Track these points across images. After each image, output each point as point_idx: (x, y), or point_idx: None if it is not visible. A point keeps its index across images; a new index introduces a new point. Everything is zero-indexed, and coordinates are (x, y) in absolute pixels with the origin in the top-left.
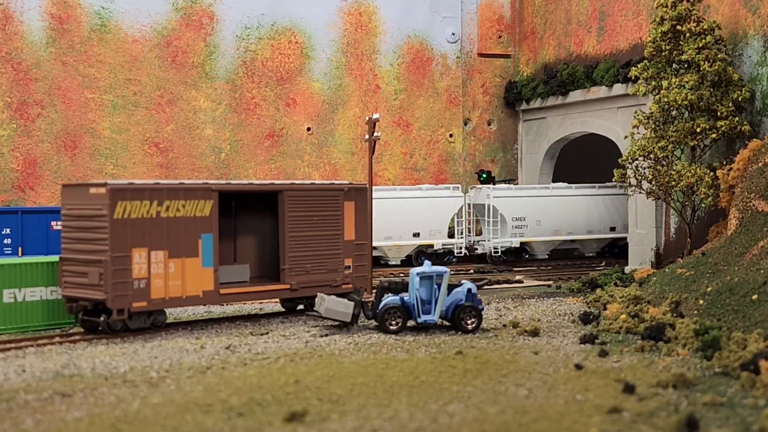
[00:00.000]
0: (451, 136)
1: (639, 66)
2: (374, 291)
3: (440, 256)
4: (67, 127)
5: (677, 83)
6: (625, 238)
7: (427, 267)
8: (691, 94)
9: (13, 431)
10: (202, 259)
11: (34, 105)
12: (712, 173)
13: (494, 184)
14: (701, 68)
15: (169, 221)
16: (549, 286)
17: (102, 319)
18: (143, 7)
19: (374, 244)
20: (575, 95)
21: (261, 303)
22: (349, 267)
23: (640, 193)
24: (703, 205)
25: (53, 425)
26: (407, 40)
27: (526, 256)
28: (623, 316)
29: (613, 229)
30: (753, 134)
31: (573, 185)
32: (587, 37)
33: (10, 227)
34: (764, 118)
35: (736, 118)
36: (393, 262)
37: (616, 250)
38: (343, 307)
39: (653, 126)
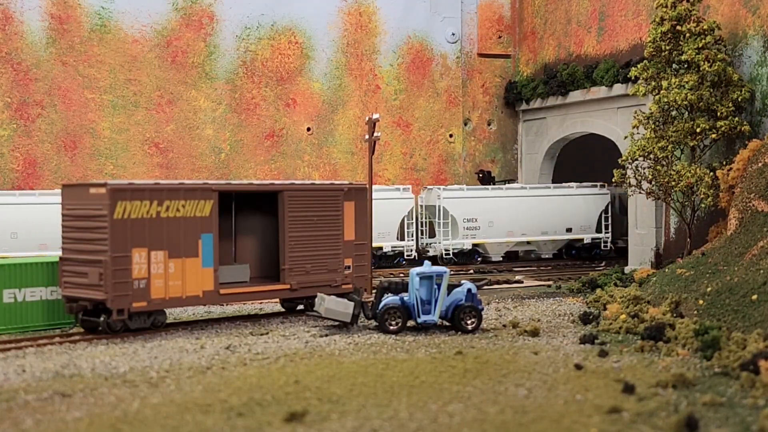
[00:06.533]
0: (451, 136)
1: (639, 66)
2: (374, 291)
3: None
4: (67, 127)
5: (677, 83)
6: (402, 247)
7: (426, 267)
8: (691, 94)
9: (13, 431)
10: (202, 259)
11: (34, 105)
12: (712, 173)
13: (494, 184)
14: (701, 68)
15: (169, 221)
16: (549, 286)
17: (102, 319)
18: (143, 7)
19: None
20: (575, 95)
21: (261, 303)
22: (348, 267)
23: (640, 193)
24: (702, 205)
25: (53, 425)
26: (407, 40)
27: None
28: (623, 316)
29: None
30: (753, 134)
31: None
32: (587, 37)
33: None
34: (764, 118)
35: (736, 118)
36: None
37: (402, 260)
38: (343, 307)
39: (653, 126)
